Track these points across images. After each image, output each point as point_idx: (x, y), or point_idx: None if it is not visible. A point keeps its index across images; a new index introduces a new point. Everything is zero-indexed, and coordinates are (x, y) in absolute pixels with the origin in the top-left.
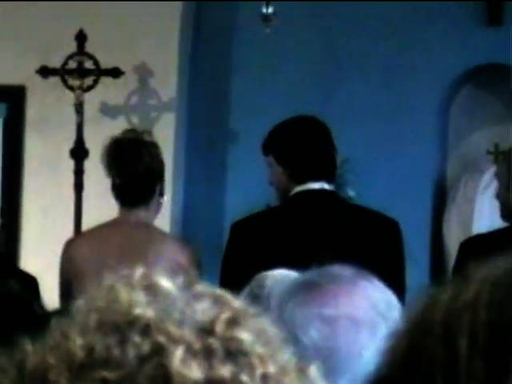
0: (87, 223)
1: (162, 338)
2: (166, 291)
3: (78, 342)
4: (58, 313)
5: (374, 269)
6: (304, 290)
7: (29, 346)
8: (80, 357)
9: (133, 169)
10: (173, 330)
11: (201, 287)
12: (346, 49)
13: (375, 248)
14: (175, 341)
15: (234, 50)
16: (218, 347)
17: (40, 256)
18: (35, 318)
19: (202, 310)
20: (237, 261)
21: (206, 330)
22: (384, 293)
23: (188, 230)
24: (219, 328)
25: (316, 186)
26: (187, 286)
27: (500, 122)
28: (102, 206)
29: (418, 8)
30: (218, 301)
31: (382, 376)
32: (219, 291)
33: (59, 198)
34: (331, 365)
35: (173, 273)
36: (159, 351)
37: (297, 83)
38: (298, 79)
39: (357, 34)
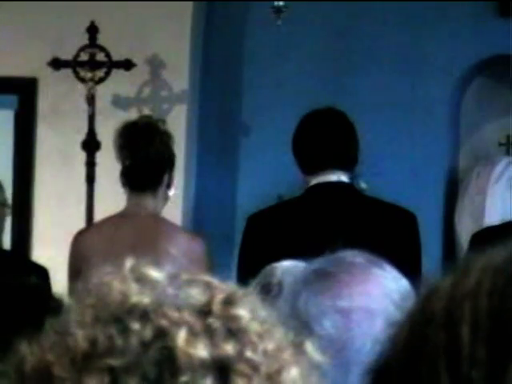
0: (99, 215)
1: (163, 322)
2: (155, 280)
3: (79, 335)
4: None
5: (391, 261)
6: (317, 280)
7: (25, 348)
8: (83, 348)
9: (144, 152)
10: (172, 313)
11: (188, 275)
12: (358, 40)
13: (393, 241)
14: (177, 323)
15: (246, 41)
16: (219, 326)
17: (52, 248)
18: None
19: (195, 294)
20: (253, 254)
21: (204, 311)
22: (398, 281)
23: (200, 222)
24: (216, 308)
25: (333, 177)
26: (175, 275)
27: None
28: (113, 198)
29: (430, 1)
30: (207, 286)
31: (383, 364)
32: (207, 278)
33: (71, 190)
34: (344, 356)
35: (184, 264)
36: (162, 335)
37: (309, 75)
38: (311, 71)
39: (369, 26)
